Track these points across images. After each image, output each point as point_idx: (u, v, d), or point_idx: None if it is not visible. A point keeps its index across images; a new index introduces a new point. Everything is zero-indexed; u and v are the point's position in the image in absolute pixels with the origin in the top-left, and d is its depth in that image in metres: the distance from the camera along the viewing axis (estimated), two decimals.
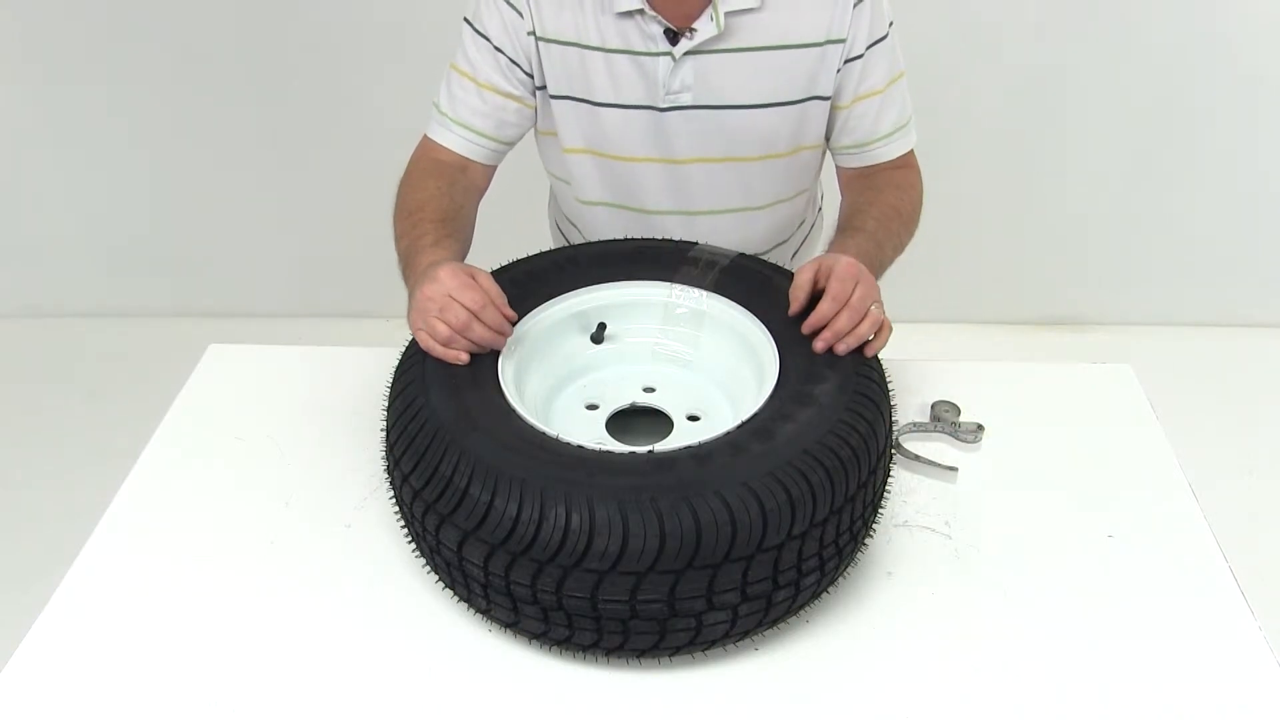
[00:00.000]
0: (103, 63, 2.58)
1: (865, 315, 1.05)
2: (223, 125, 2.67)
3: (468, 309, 1.03)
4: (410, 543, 1.04)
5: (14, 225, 2.85)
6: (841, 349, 1.04)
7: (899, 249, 1.28)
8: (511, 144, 1.34)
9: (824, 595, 0.99)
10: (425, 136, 1.33)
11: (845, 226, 1.26)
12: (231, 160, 2.73)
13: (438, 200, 1.22)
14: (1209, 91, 2.54)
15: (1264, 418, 2.59)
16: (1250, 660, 0.97)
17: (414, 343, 1.07)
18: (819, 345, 1.04)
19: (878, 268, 1.20)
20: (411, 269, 1.14)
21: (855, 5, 1.22)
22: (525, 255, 1.23)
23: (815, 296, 1.08)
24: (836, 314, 1.04)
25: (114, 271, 2.92)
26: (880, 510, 1.04)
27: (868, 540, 1.02)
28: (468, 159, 1.31)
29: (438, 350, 1.03)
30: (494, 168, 1.35)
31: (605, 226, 1.40)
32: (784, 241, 1.45)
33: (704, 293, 1.17)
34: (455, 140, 1.30)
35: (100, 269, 2.92)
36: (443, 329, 1.03)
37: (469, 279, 1.05)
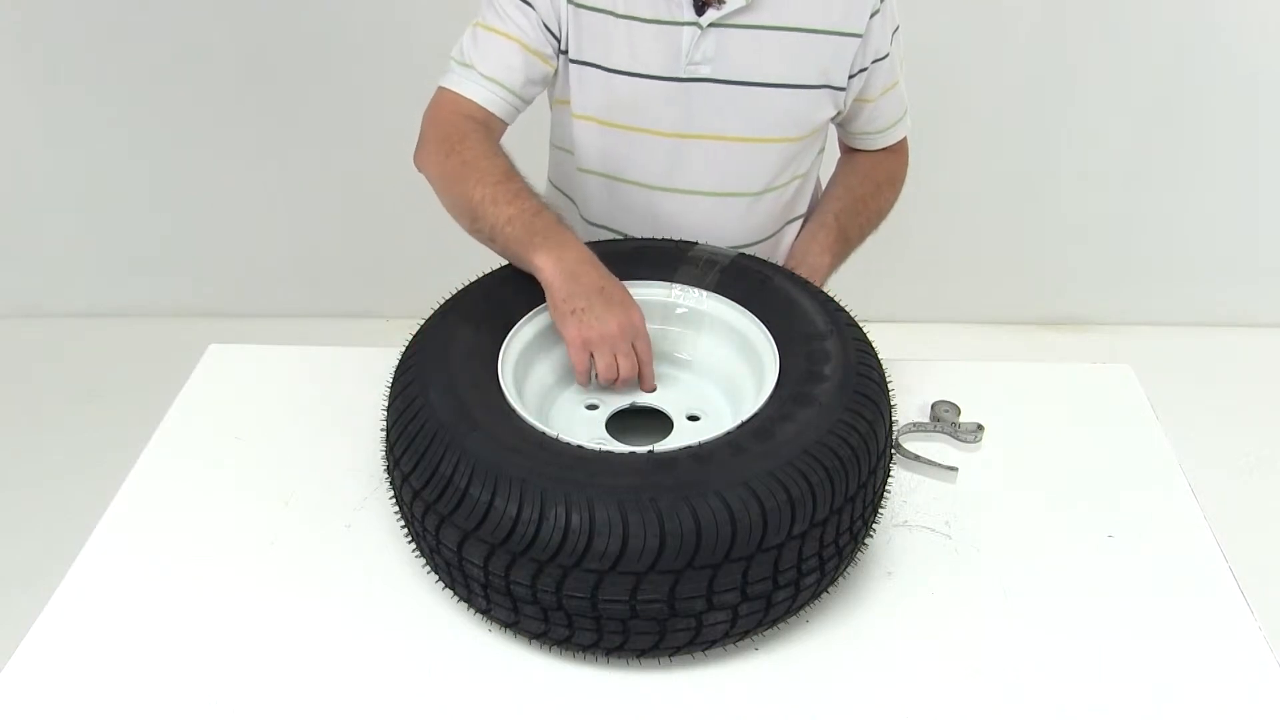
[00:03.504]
0: (103, 63, 2.58)
1: None
2: (223, 125, 2.67)
3: (623, 373, 1.07)
4: (410, 543, 1.04)
5: (14, 225, 2.85)
6: None
7: (864, 238, 1.45)
8: (528, 103, 1.34)
9: (824, 595, 0.99)
10: (446, 91, 1.29)
11: (823, 214, 1.43)
12: (231, 160, 2.73)
13: (507, 162, 1.21)
14: (1209, 91, 2.54)
15: (1264, 418, 2.59)
16: (1250, 660, 0.97)
17: (414, 342, 1.07)
18: None
19: (846, 253, 1.42)
20: (546, 242, 1.11)
21: (872, 16, 1.26)
22: None
23: None
24: None
25: (114, 271, 2.92)
26: (880, 510, 1.04)
27: (868, 540, 1.02)
28: (491, 113, 1.29)
29: (605, 375, 1.08)
30: (505, 129, 1.33)
31: (601, 200, 1.40)
32: (777, 233, 1.45)
33: (704, 293, 1.17)
34: (482, 94, 1.27)
35: (100, 269, 2.92)
36: (612, 371, 1.07)
37: (637, 329, 1.09)
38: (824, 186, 1.54)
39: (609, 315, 1.07)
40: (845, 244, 1.43)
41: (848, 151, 1.50)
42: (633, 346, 1.08)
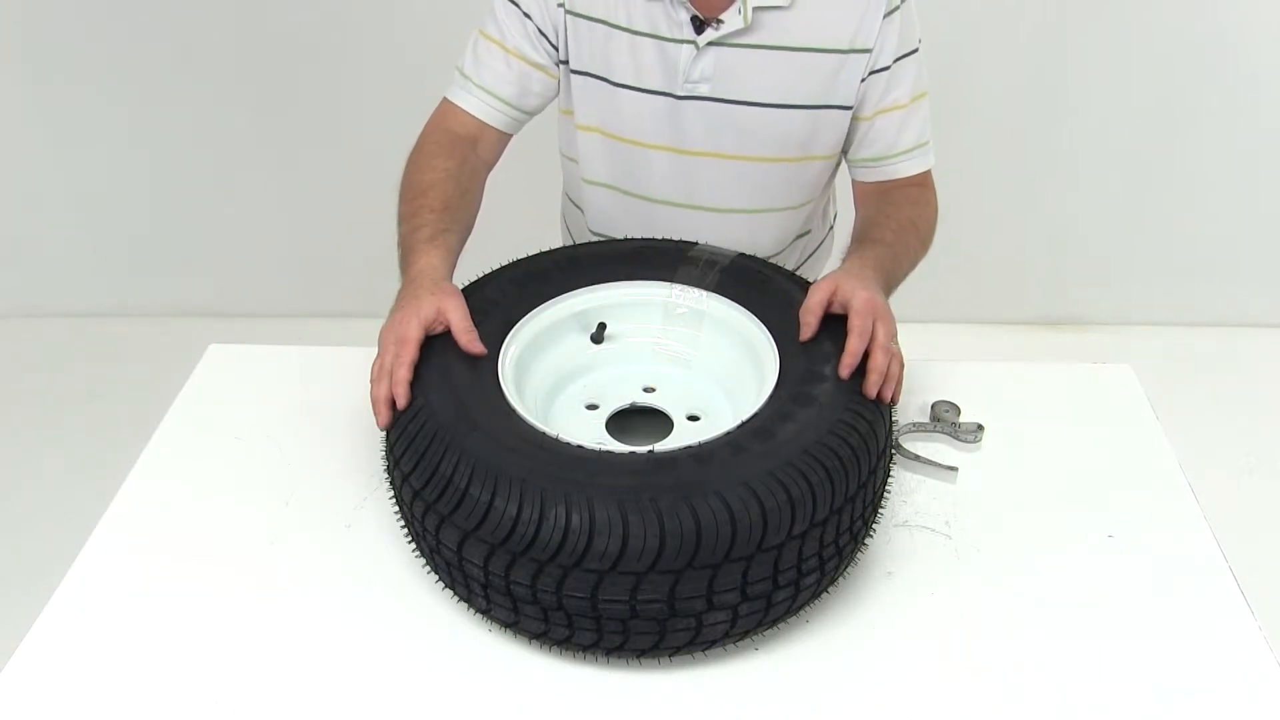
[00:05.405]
0: (103, 62, 2.58)
1: (893, 354, 1.03)
2: (223, 125, 2.67)
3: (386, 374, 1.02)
4: (410, 543, 1.04)
5: (14, 225, 2.85)
6: (886, 393, 1.01)
7: (913, 265, 1.26)
8: (530, 114, 1.34)
9: (824, 595, 0.99)
10: (445, 100, 1.32)
11: (863, 237, 1.23)
12: (231, 160, 2.73)
13: (443, 184, 1.21)
14: (1209, 91, 2.54)
15: (1264, 418, 2.59)
16: (1250, 660, 0.97)
17: None
18: (872, 392, 1.00)
19: (894, 280, 1.19)
20: (405, 263, 1.14)
21: (886, 16, 1.23)
22: (530, 248, 1.23)
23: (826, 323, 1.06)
24: (871, 353, 1.01)
25: (114, 271, 2.92)
26: (880, 510, 1.04)
27: (868, 540, 1.02)
28: (485, 125, 1.30)
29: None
30: (508, 139, 1.34)
31: (606, 211, 1.40)
32: (784, 250, 1.45)
33: (704, 293, 1.17)
34: (476, 105, 1.29)
35: (100, 269, 2.92)
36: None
37: (411, 338, 1.03)
38: (839, 209, 1.54)
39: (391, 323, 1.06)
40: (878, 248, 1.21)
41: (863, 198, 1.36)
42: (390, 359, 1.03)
